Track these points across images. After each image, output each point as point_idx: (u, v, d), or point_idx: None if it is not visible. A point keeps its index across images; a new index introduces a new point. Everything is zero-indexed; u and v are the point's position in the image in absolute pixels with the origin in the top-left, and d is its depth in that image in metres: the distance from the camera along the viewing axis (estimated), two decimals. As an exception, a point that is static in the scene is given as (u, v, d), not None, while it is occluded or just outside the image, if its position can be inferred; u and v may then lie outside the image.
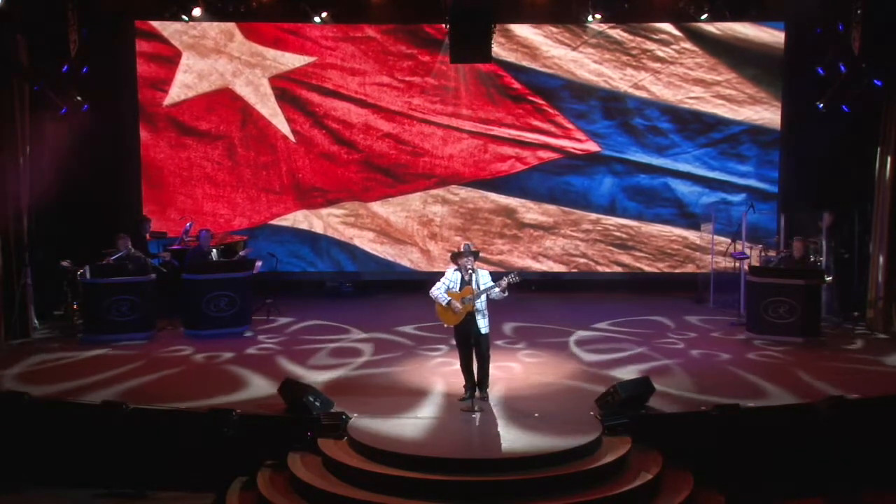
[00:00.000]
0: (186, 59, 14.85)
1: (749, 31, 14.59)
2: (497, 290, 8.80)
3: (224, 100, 14.95)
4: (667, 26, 14.72)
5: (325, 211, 15.17)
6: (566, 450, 7.82)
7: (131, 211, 14.47)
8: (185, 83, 14.89)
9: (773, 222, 14.59)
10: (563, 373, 10.25)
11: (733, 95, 14.75)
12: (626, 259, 15.14)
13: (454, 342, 9.33)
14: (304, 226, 15.19)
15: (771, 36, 14.57)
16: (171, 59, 14.82)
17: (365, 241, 15.21)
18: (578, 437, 8.00)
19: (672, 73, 14.80)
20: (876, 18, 11.33)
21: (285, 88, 14.95)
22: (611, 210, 15.08)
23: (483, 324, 8.91)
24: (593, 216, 15.09)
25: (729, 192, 14.89)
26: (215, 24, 14.63)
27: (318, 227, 15.18)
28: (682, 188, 14.98)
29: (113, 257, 12.03)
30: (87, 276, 11.81)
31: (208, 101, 14.94)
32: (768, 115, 14.70)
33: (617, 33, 14.78)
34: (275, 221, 15.15)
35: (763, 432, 8.48)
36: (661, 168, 14.94)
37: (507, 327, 12.32)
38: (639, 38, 14.77)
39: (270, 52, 14.88)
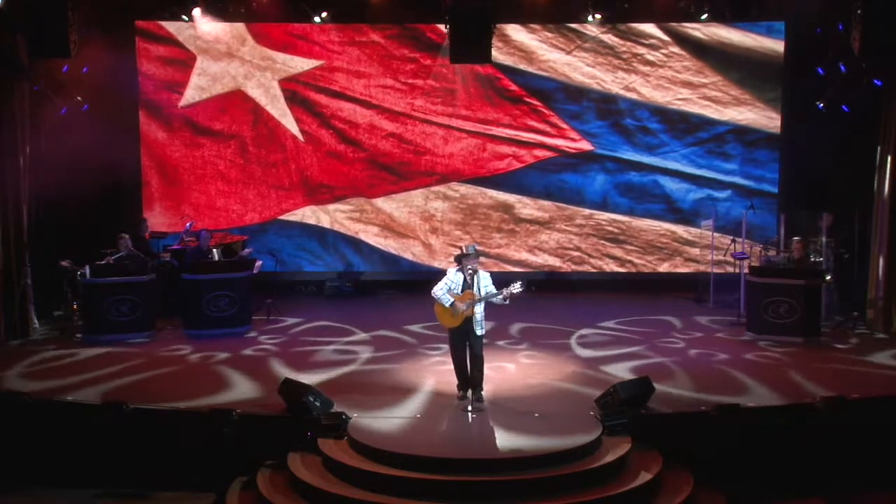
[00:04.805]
0: (200, 63, 14.64)
1: (734, 35, 14.35)
2: (499, 297, 8.42)
3: (236, 101, 14.74)
4: (657, 31, 14.49)
5: (331, 207, 15.03)
6: (566, 450, 7.52)
7: (132, 210, 14.12)
8: (200, 85, 14.70)
9: (760, 219, 14.26)
10: (562, 373, 9.82)
11: (719, 97, 14.56)
12: (617, 252, 14.93)
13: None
14: (311, 221, 15.04)
15: (754, 41, 14.32)
16: (185, 62, 14.59)
17: (370, 236, 15.06)
18: (578, 437, 7.70)
19: (661, 76, 14.60)
20: (876, 18, 10.76)
21: (294, 90, 14.72)
22: (603, 206, 14.94)
23: (479, 326, 8.53)
24: (586, 212, 14.96)
25: (715, 189, 14.75)
26: (228, 29, 14.36)
27: (326, 222, 15.03)
28: (671, 185, 14.85)
29: (113, 257, 11.61)
30: (87, 275, 11.38)
31: (221, 103, 14.76)
32: (752, 115, 14.53)
33: (609, 38, 14.52)
34: (284, 217, 15.01)
35: (763, 432, 8.09)
36: (650, 166, 14.81)
37: (508, 327, 11.87)
38: (629, 43, 14.55)
39: (280, 56, 14.70)
